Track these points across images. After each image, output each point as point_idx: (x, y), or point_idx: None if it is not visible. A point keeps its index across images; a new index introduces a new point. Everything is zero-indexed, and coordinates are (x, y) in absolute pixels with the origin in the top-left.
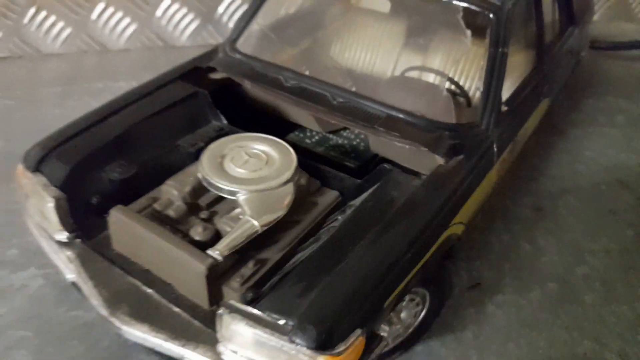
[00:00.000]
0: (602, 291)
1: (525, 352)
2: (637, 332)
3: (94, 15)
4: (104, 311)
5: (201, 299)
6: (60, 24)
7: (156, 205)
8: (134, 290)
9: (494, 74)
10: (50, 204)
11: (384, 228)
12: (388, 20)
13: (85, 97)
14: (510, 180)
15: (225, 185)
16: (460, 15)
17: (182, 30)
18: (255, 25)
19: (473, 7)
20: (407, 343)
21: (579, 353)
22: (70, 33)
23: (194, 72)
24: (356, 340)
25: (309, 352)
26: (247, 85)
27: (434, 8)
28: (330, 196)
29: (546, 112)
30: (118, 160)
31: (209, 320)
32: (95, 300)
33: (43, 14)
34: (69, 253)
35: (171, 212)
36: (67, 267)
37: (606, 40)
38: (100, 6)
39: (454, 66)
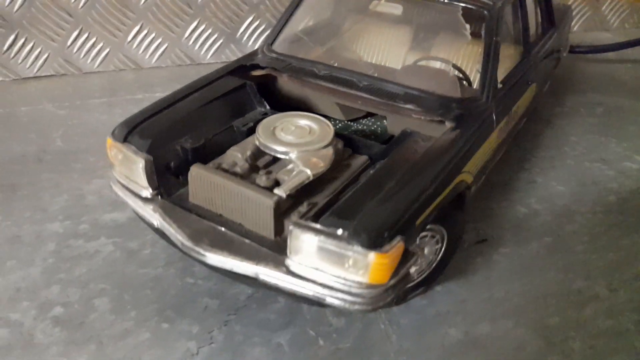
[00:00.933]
0: (590, 242)
1: (528, 289)
2: (622, 271)
3: (129, 37)
4: (189, 243)
5: (267, 231)
6: (100, 45)
7: (224, 165)
8: (210, 229)
9: (490, 57)
10: (141, 164)
11: (412, 167)
12: (400, 21)
13: (129, 106)
14: (506, 160)
15: (280, 147)
16: (460, 14)
17: (207, 48)
18: (289, 30)
19: (471, 7)
20: (429, 279)
21: (574, 289)
22: (108, 53)
23: (240, 69)
24: (397, 244)
25: (362, 250)
26: (284, 78)
27: (437, 9)
28: (361, 159)
29: (534, 96)
30: (188, 135)
31: (274, 247)
32: (179, 236)
33: (85, 36)
34: (153, 206)
35: (237, 169)
36: (152, 216)
37: (584, 45)
38: (135, 29)
39: (456, 56)
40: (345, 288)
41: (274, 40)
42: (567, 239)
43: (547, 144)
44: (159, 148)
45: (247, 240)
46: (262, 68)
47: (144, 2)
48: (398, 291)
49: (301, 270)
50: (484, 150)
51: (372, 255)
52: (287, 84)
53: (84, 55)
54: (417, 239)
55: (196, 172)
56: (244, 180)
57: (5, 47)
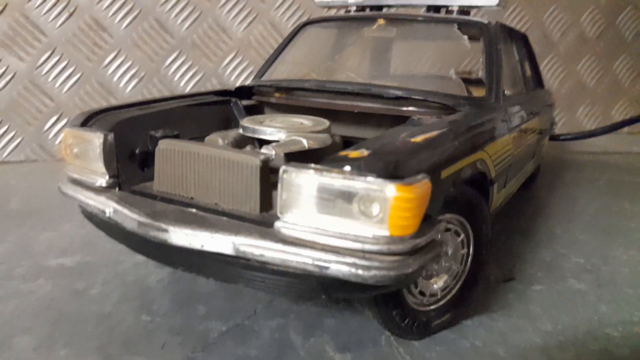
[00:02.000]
0: (635, 277)
1: (580, 322)
2: None
3: None
4: (147, 219)
5: (252, 203)
6: None
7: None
8: (176, 211)
9: (492, 62)
10: (98, 141)
11: (428, 126)
12: (395, 40)
13: None
14: (520, 212)
15: (269, 129)
16: (456, 28)
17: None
18: (278, 64)
19: (474, 20)
20: (456, 302)
21: (635, 320)
22: None
23: (227, 92)
24: (423, 180)
25: (379, 181)
26: (274, 98)
27: (429, 27)
28: None
29: (540, 135)
30: (161, 129)
31: (259, 223)
32: (135, 215)
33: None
34: (107, 194)
35: None
36: (105, 203)
37: (569, 133)
38: None
39: (453, 65)
40: (357, 245)
41: (264, 73)
42: (608, 276)
43: (559, 204)
44: (124, 131)
45: (224, 218)
46: (252, 93)
47: (130, 90)
48: (426, 263)
49: (295, 232)
50: (501, 147)
51: (392, 188)
52: (277, 103)
53: (60, 141)
54: (442, 215)
55: (166, 145)
56: (223, 145)
57: None
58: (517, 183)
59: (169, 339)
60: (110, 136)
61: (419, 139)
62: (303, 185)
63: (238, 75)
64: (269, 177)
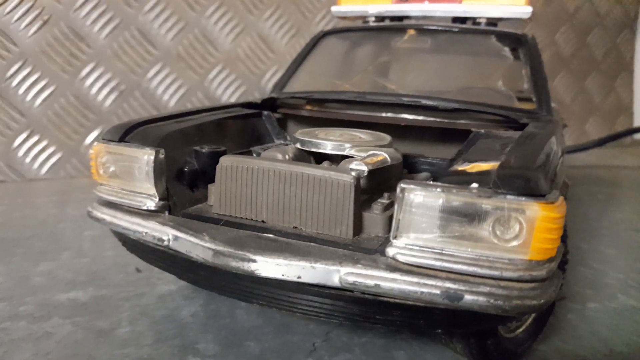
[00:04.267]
0: None
1: None
2: None
3: (86, 141)
4: (227, 249)
5: (343, 226)
6: (51, 150)
7: None
8: (252, 237)
9: (537, 72)
10: (149, 158)
11: (535, 141)
12: (429, 52)
13: (85, 202)
14: None
15: (331, 143)
16: (495, 40)
17: None
18: (301, 73)
19: (511, 32)
20: (536, 329)
21: None
22: (60, 158)
23: (253, 104)
24: (559, 197)
25: (521, 200)
26: (305, 112)
27: (465, 38)
28: (422, 176)
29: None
30: (204, 143)
31: (357, 249)
32: (210, 244)
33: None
34: (159, 219)
35: None
36: (160, 230)
37: (569, 146)
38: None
39: (496, 80)
40: (492, 273)
41: (285, 84)
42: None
43: (572, 220)
44: (170, 147)
45: (312, 244)
46: (276, 105)
47: (109, 105)
48: (556, 291)
49: (415, 259)
50: (564, 163)
51: (536, 208)
52: (308, 116)
53: (30, 160)
54: None
55: (229, 162)
56: (288, 160)
57: None
58: None
59: None
60: (162, 152)
61: (536, 153)
62: (426, 205)
63: (225, 89)
64: (360, 196)
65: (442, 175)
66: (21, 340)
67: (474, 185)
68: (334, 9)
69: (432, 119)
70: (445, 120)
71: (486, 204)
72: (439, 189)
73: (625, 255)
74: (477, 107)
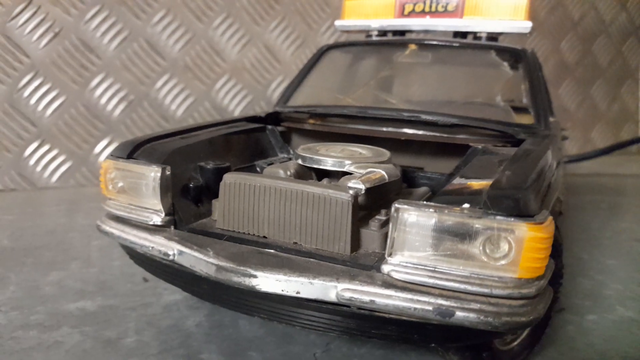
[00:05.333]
0: None
1: None
2: None
3: (96, 149)
4: (229, 264)
5: (341, 242)
6: (61, 159)
7: None
8: (253, 253)
9: (536, 86)
10: (156, 176)
11: (530, 158)
12: (430, 66)
13: (94, 212)
14: None
15: (331, 159)
16: (495, 54)
17: None
18: (304, 88)
19: (511, 47)
20: (531, 341)
21: None
22: (69, 167)
23: (256, 118)
24: (549, 218)
25: (509, 220)
26: (308, 126)
27: (465, 53)
28: (421, 190)
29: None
30: (209, 159)
31: (354, 265)
32: (212, 260)
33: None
34: (165, 234)
35: None
36: (166, 245)
37: (574, 155)
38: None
39: (495, 94)
40: (482, 290)
41: (288, 98)
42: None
43: (574, 230)
44: (176, 163)
45: (311, 260)
46: (279, 118)
47: (118, 115)
48: (545, 307)
49: (409, 276)
50: (561, 177)
51: (524, 228)
52: (311, 130)
53: (41, 169)
54: None
55: (233, 179)
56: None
57: None
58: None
59: None
60: (168, 169)
61: (529, 173)
62: (419, 224)
63: (231, 99)
64: (357, 213)
65: (439, 190)
66: (32, 349)
67: (466, 205)
68: (337, 23)
69: (431, 133)
70: (445, 135)
71: (477, 224)
72: (431, 209)
73: (625, 266)
74: (475, 122)
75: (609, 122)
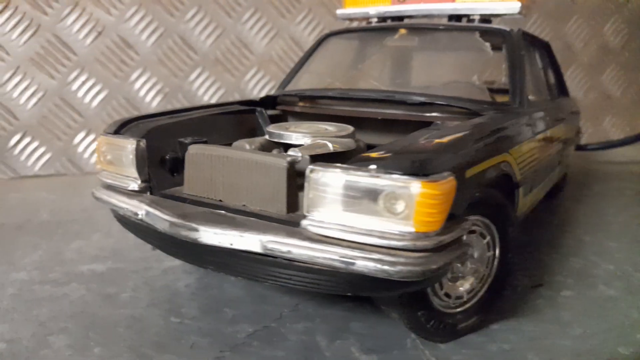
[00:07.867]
0: None
1: (610, 326)
2: None
3: None
4: (179, 220)
5: (279, 204)
6: None
7: None
8: (206, 212)
9: (515, 66)
10: (131, 147)
11: (460, 128)
12: (417, 50)
13: None
14: (546, 223)
15: (295, 134)
16: (478, 36)
17: None
18: (301, 75)
19: (495, 28)
20: (483, 305)
21: None
22: None
23: (250, 102)
24: (448, 178)
25: (404, 178)
26: (297, 108)
27: (451, 36)
28: None
29: (565, 138)
30: (190, 136)
31: (286, 223)
32: (167, 217)
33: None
34: (139, 198)
35: None
36: (138, 206)
37: (596, 143)
38: None
39: (475, 74)
40: (382, 242)
41: (287, 83)
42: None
43: (586, 214)
44: (155, 138)
45: (252, 218)
46: (276, 102)
47: (155, 106)
48: (452, 260)
49: (322, 230)
50: (526, 151)
51: (417, 185)
52: (301, 112)
53: (88, 156)
54: (466, 219)
55: (195, 150)
56: (250, 149)
57: (10, 146)
58: (543, 189)
59: (197, 340)
60: (142, 142)
61: (444, 140)
62: (329, 184)
63: (260, 90)
64: (295, 178)
65: (357, 156)
66: (43, 299)
67: (373, 166)
68: (339, 12)
69: (404, 112)
70: (415, 114)
71: (377, 182)
72: (338, 170)
73: (626, 248)
74: (442, 100)
75: None
